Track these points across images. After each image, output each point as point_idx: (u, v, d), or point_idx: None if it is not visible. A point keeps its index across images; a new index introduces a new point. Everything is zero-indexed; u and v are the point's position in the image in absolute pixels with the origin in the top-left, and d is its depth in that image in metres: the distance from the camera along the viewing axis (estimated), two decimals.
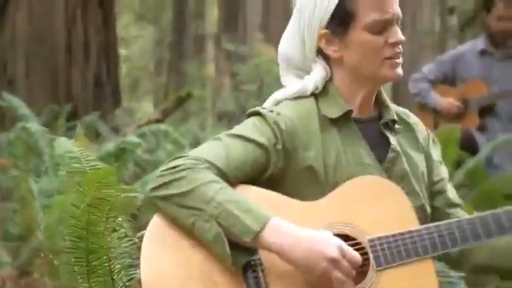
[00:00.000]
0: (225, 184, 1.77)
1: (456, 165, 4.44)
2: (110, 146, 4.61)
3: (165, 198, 1.77)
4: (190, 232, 1.76)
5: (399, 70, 1.89)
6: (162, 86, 16.26)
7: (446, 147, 4.20)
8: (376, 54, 1.86)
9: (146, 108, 17.80)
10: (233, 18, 16.79)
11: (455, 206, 2.00)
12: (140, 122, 6.73)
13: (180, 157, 1.82)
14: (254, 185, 1.84)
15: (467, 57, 4.90)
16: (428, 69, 5.05)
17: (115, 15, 10.68)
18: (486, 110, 4.79)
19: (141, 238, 2.17)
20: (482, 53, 4.85)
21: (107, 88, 9.12)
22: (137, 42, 19.34)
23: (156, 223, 1.80)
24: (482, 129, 4.80)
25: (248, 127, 1.86)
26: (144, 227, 1.84)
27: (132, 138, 4.35)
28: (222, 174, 1.80)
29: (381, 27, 1.85)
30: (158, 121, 6.14)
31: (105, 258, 2.16)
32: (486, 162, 4.73)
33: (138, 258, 1.83)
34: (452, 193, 2.02)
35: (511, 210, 1.86)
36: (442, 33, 15.01)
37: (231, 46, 15.60)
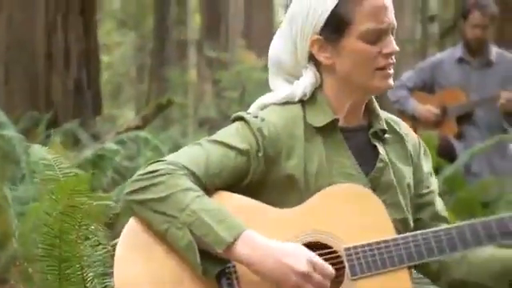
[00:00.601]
0: (201, 192, 1.75)
1: (434, 172, 4.46)
2: (88, 153, 4.59)
3: (141, 202, 1.75)
4: (164, 238, 1.75)
5: (390, 81, 1.85)
6: (143, 93, 16.23)
7: None
8: (368, 64, 1.83)
9: (128, 115, 17.74)
10: (215, 24, 16.80)
11: (441, 219, 1.97)
12: (120, 128, 6.70)
13: (158, 161, 1.80)
14: (232, 191, 1.82)
15: (445, 64, 4.94)
16: (407, 76, 5.08)
17: (96, 22, 10.65)
18: (464, 118, 4.83)
19: (115, 247, 2.16)
20: (460, 61, 4.89)
21: (88, 95, 9.09)
22: (119, 48, 19.29)
23: (131, 227, 1.79)
24: (459, 136, 4.83)
25: (230, 133, 1.84)
26: (120, 235, 1.83)
27: (110, 145, 4.33)
28: (200, 181, 1.78)
29: (375, 37, 1.82)
30: (138, 128, 6.11)
31: (77, 266, 2.15)
32: (464, 170, 4.76)
33: (112, 267, 1.81)
34: (439, 206, 1.98)
35: (488, 220, 1.84)
36: (423, 40, 15.10)
37: (213, 53, 15.61)
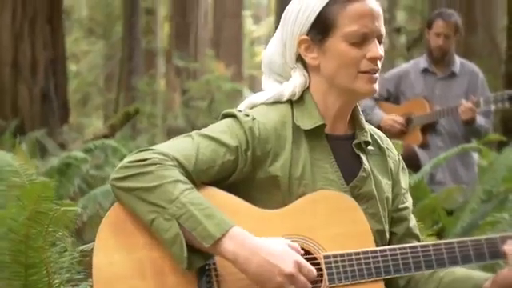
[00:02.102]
0: (190, 185, 1.76)
1: None
2: (54, 161, 4.57)
3: (128, 189, 1.74)
4: (147, 228, 1.75)
5: (375, 86, 1.88)
6: (112, 102, 16.14)
7: None
8: (352, 66, 1.86)
9: (96, 123, 17.64)
10: (184, 34, 16.80)
11: (413, 236, 2.01)
12: (87, 137, 6.68)
13: (148, 149, 1.79)
14: (216, 187, 1.83)
15: (410, 75, 4.99)
16: None
17: (64, 30, 10.61)
18: (429, 128, 4.88)
19: (82, 253, 2.16)
20: (424, 71, 4.95)
21: (55, 103, 9.06)
22: (87, 57, 19.17)
23: (114, 213, 1.78)
24: (424, 146, 4.88)
25: (222, 129, 1.85)
26: (88, 243, 1.82)
27: (77, 154, 4.32)
28: (188, 174, 1.78)
29: (359, 39, 1.86)
30: (106, 136, 6.10)
31: (44, 272, 2.14)
32: (428, 179, 4.81)
33: (79, 273, 1.82)
34: (413, 223, 2.02)
35: (465, 240, 1.87)
36: (391, 52, 15.27)
37: (182, 62, 15.59)
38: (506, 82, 11.24)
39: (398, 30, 13.42)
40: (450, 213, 4.42)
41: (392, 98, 5.06)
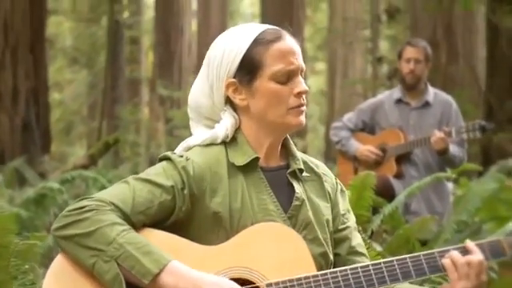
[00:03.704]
0: (128, 226, 1.81)
1: (375, 211, 4.52)
2: (31, 191, 4.57)
3: (68, 237, 1.80)
4: (90, 273, 1.79)
5: (303, 119, 1.96)
6: (95, 131, 16.13)
7: (361, 193, 4.30)
8: (281, 103, 1.93)
9: (80, 152, 17.58)
10: (168, 62, 16.85)
11: (358, 254, 2.06)
12: (67, 167, 6.67)
13: (86, 198, 1.85)
14: (159, 228, 1.87)
15: (385, 105, 5.04)
16: (348, 117, 5.18)
17: (47, 59, 10.62)
18: (403, 158, 4.92)
19: None
20: (399, 101, 5.00)
21: (36, 133, 9.04)
22: (70, 85, 19.18)
23: (58, 263, 1.82)
24: (399, 176, 4.91)
25: (157, 171, 1.91)
26: None
27: (52, 184, 4.32)
28: (126, 217, 1.83)
29: (285, 77, 1.93)
30: (84, 166, 6.09)
31: None
32: (403, 209, 4.83)
33: None
34: (356, 241, 2.07)
35: (404, 257, 1.91)
36: (373, 81, 15.37)
37: (165, 91, 15.62)
38: (486, 111, 11.36)
39: (380, 60, 13.55)
40: (424, 243, 4.43)
41: (367, 128, 5.10)
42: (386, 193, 4.71)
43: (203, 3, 18.90)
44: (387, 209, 4.41)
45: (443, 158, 4.76)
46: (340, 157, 5.28)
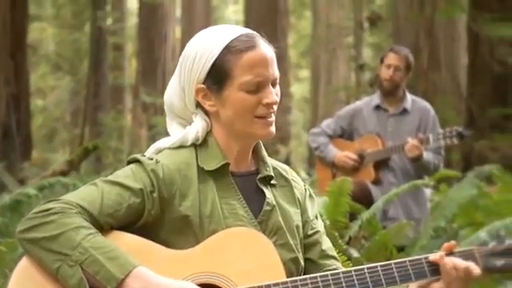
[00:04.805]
0: (94, 230, 1.78)
1: (353, 217, 4.53)
2: (6, 198, 4.53)
3: (32, 240, 1.77)
4: (55, 277, 1.76)
5: (271, 129, 1.94)
6: (78, 137, 16.08)
7: (338, 199, 4.31)
8: (248, 112, 1.91)
9: (62, 159, 17.49)
10: (151, 69, 16.84)
11: (329, 257, 2.05)
12: (46, 173, 6.64)
13: (53, 200, 1.82)
14: (128, 231, 1.85)
15: (363, 112, 5.06)
16: (326, 123, 5.20)
17: (28, 66, 10.57)
18: (381, 164, 4.93)
19: None
20: (377, 108, 5.02)
21: (17, 139, 8.98)
22: (53, 92, 19.11)
23: (22, 267, 1.79)
24: (377, 182, 4.93)
25: (125, 174, 1.89)
26: None
27: (29, 190, 4.29)
28: (94, 220, 1.81)
29: (254, 87, 1.90)
30: (63, 172, 6.06)
31: None
32: (382, 215, 4.84)
33: None
34: (326, 245, 2.07)
35: (375, 266, 1.89)
36: (356, 88, 15.43)
37: (149, 98, 15.60)
38: (468, 118, 11.42)
39: (362, 67, 13.61)
40: (401, 249, 4.45)
41: (346, 134, 5.12)
42: (364, 199, 4.73)
43: (187, 10, 18.92)
44: (365, 215, 4.42)
45: (417, 165, 4.78)
46: (318, 163, 5.29)
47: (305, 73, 23.81)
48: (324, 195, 4.46)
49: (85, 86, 14.27)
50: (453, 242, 1.94)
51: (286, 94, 15.14)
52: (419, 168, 4.81)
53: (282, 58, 14.49)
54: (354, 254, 4.19)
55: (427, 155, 4.73)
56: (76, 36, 17.15)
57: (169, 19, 17.86)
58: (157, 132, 14.79)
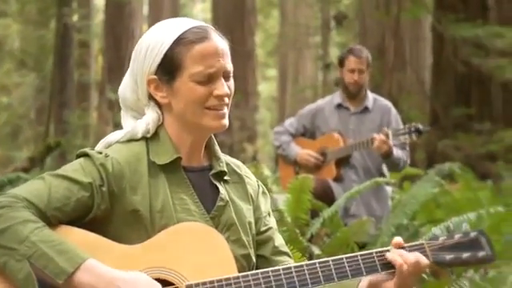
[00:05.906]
0: (41, 224, 1.76)
1: (315, 214, 4.55)
2: None
3: None
4: (2, 272, 1.74)
5: (223, 121, 1.93)
6: (42, 135, 15.93)
7: (299, 196, 4.34)
8: (198, 103, 1.91)
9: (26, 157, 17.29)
10: (118, 67, 16.72)
11: (282, 254, 2.06)
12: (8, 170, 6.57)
13: None
14: (78, 226, 1.84)
15: (325, 111, 5.09)
16: (289, 122, 5.23)
17: None
18: (343, 161, 4.96)
19: None
20: (339, 107, 5.06)
21: None
22: (18, 89, 18.89)
23: None
24: (338, 179, 4.96)
25: (74, 168, 1.87)
26: None
27: None
28: (41, 214, 1.79)
29: (206, 79, 1.90)
30: (25, 169, 6.01)
31: None
32: (343, 212, 4.87)
33: None
34: (279, 242, 2.07)
35: (326, 260, 1.90)
36: (323, 87, 15.52)
37: (114, 96, 15.49)
38: (432, 117, 11.54)
39: (327, 66, 13.68)
40: (362, 246, 4.47)
41: (308, 133, 5.15)
42: (326, 196, 4.75)
43: (155, 8, 18.84)
44: (327, 212, 4.44)
45: (387, 162, 4.80)
46: (281, 161, 5.31)
47: (272, 72, 23.86)
48: (285, 192, 4.48)
49: (50, 82, 14.13)
50: (400, 238, 1.95)
51: (253, 92, 15.14)
52: (389, 164, 4.83)
53: (249, 57, 14.51)
54: (316, 251, 4.21)
55: (396, 152, 4.76)
56: (41, 32, 16.96)
57: (136, 16, 17.75)
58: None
